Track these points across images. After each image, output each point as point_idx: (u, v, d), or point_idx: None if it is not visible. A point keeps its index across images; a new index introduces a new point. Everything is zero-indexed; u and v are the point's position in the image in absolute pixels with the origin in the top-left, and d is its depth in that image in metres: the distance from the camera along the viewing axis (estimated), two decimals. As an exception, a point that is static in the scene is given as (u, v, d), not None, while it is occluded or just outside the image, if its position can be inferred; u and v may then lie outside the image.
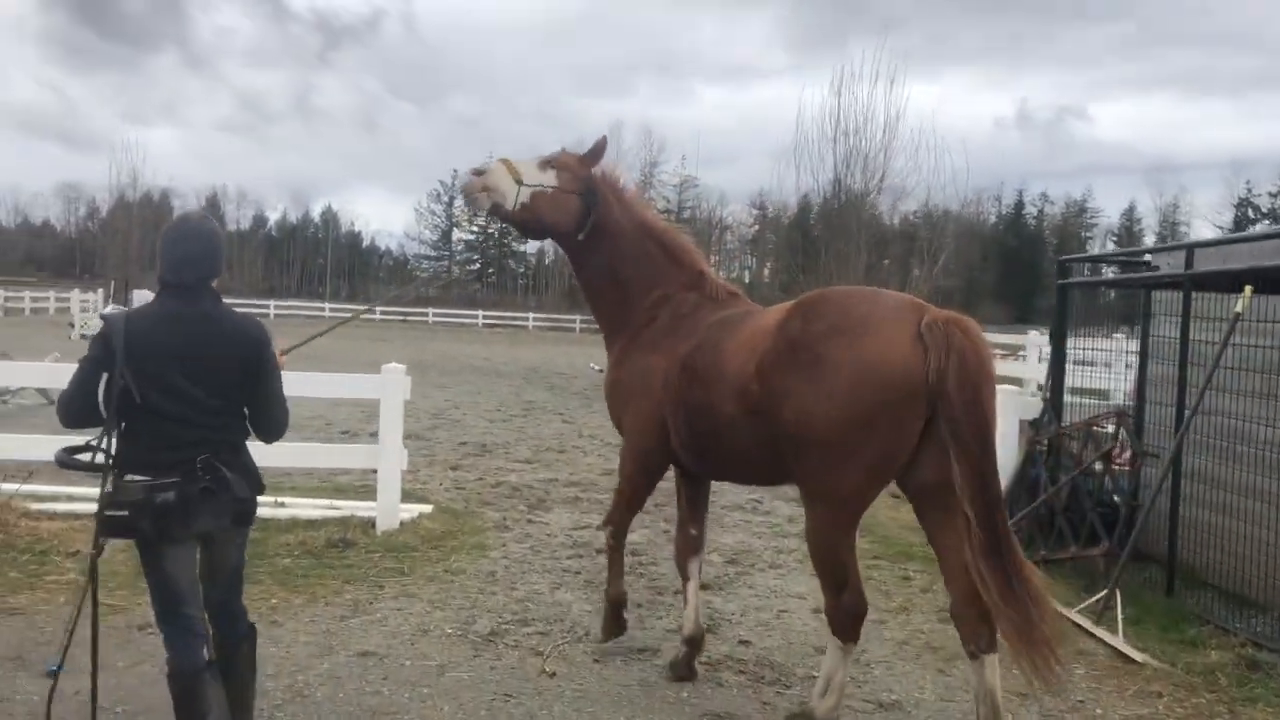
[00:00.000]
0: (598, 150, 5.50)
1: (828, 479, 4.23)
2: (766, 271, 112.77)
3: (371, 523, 7.85)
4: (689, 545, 5.50)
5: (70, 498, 7.98)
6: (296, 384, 8.18)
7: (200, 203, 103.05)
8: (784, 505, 9.81)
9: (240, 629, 4.08)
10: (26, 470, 7.92)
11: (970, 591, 4.10)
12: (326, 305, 60.46)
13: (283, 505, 8.18)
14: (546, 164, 5.40)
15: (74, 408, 3.82)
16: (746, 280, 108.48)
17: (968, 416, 4.03)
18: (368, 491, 9.06)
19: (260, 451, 4.17)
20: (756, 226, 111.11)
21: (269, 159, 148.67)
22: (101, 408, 3.76)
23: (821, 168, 26.87)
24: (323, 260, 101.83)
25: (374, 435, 12.63)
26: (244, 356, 3.89)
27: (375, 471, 8.09)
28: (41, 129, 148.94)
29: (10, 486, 7.72)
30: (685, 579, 5.46)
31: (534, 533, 8.29)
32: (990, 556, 3.96)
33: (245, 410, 3.98)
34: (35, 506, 7.65)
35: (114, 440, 3.75)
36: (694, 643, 5.33)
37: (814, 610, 6.45)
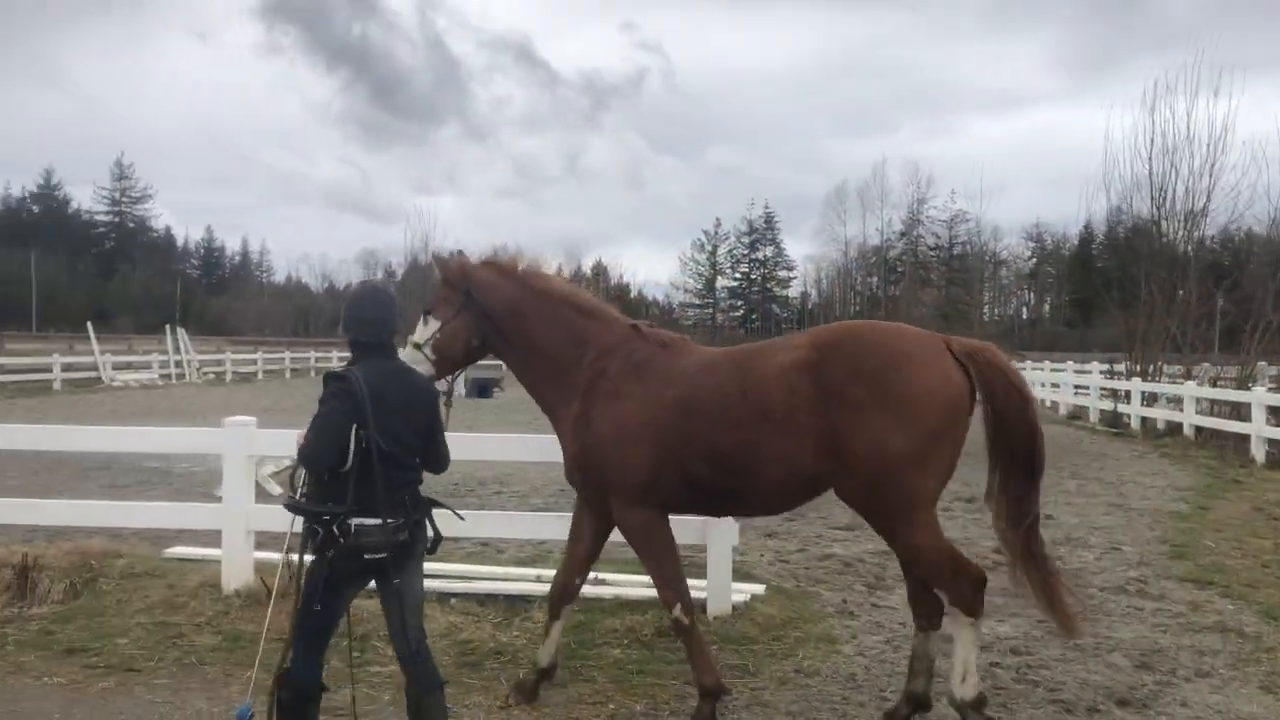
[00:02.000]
0: (461, 262, 5.60)
1: (910, 492, 4.55)
2: (1046, 306, 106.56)
3: (700, 605, 6.97)
4: (568, 593, 5.53)
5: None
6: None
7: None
8: (1176, 587, 8.16)
9: (435, 675, 4.30)
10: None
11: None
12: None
13: (603, 582, 7.46)
14: (425, 314, 5.57)
15: (326, 457, 4.08)
16: (1024, 316, 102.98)
17: (1021, 428, 4.67)
18: (687, 564, 8.26)
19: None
20: (1034, 260, 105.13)
21: (543, 218, 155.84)
22: (350, 456, 4.05)
23: (1135, 192, 24.33)
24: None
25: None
26: (431, 404, 4.44)
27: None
28: (344, 202, 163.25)
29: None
30: (553, 618, 5.50)
31: (884, 621, 7.12)
32: (1032, 550, 4.75)
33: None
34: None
35: (351, 486, 4.06)
36: (547, 673, 5.48)
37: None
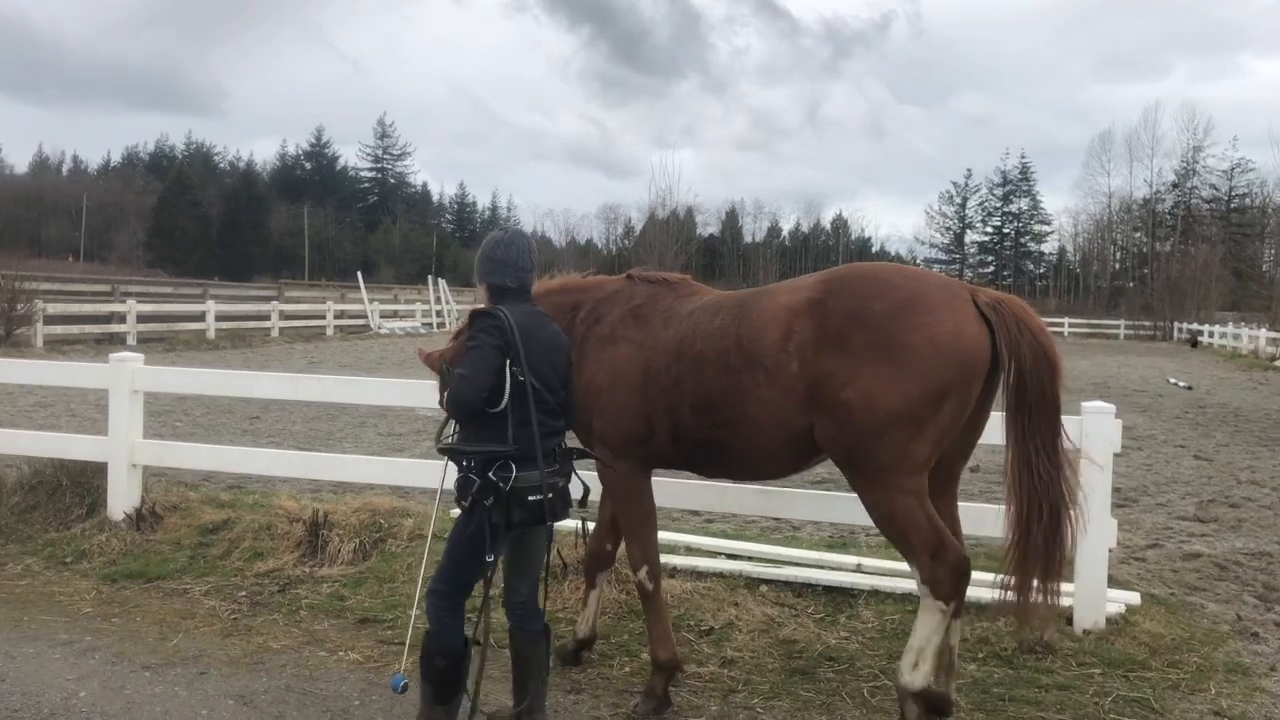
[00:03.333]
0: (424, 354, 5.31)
1: (899, 453, 4.08)
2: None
3: (1065, 616, 5.79)
4: (602, 560, 5.35)
5: (689, 549, 6.80)
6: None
7: (720, 217, 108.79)
8: None
9: (538, 624, 4.24)
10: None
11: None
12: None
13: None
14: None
15: (481, 390, 3.87)
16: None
17: (1043, 395, 4.13)
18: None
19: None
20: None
21: (782, 171, 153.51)
22: (505, 395, 3.90)
23: None
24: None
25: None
26: (568, 351, 4.35)
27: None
28: (586, 158, 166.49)
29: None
30: (590, 586, 5.33)
31: (1305, 648, 5.71)
32: (1055, 531, 4.18)
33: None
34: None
35: (510, 426, 3.91)
36: (586, 643, 5.30)
37: None
